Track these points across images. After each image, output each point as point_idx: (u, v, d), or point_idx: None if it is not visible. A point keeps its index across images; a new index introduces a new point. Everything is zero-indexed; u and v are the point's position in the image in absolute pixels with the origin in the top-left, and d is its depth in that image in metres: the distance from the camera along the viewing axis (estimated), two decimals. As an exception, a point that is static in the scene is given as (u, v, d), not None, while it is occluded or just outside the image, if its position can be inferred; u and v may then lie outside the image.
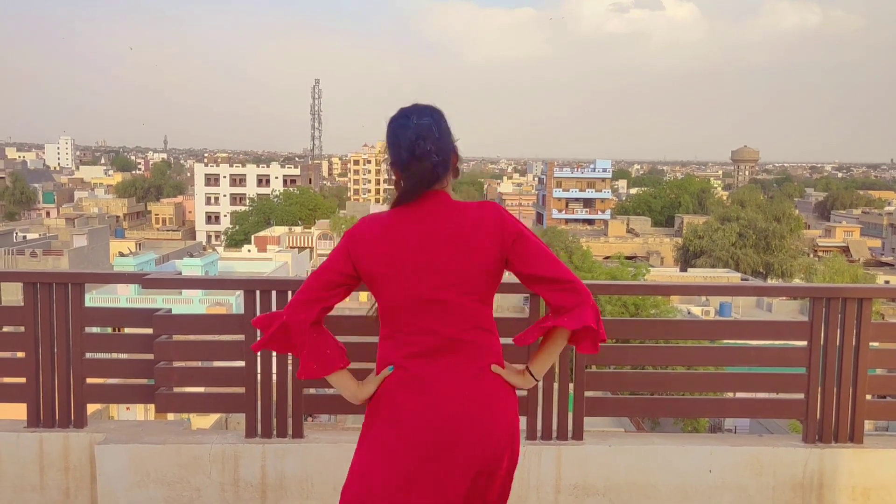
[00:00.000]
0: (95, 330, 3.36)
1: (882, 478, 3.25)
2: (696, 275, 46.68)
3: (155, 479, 3.16)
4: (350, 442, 3.24)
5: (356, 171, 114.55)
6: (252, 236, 58.41)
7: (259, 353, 3.15)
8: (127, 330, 3.39)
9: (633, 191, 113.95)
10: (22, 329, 3.25)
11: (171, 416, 8.20)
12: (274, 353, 3.16)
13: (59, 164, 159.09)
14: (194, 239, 78.10)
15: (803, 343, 3.27)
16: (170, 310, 3.31)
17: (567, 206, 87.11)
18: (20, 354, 3.27)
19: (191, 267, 29.17)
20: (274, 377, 3.21)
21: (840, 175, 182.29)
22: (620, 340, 3.77)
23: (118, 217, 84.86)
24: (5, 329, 3.35)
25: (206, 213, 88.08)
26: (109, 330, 3.86)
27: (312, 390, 3.31)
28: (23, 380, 3.28)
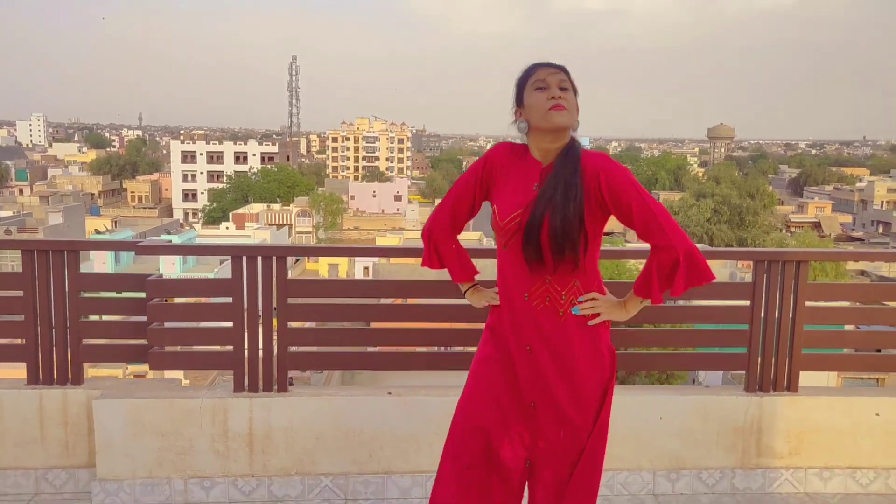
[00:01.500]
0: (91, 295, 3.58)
1: (813, 422, 3.57)
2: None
3: (150, 431, 3.41)
4: (331, 396, 3.52)
5: (334, 149, 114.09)
6: (230, 214, 58.27)
7: (245, 315, 3.41)
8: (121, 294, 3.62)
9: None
10: (21, 293, 3.47)
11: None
12: (260, 315, 3.42)
13: (31, 141, 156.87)
14: (171, 217, 77.66)
15: (747, 302, 3.58)
16: (161, 275, 3.55)
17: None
18: (19, 317, 3.49)
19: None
20: (260, 336, 3.46)
21: (814, 152, 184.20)
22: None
23: (93, 195, 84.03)
24: (5, 294, 3.56)
25: (183, 190, 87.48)
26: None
27: (296, 348, 3.56)
28: (22, 341, 3.50)
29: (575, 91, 2.31)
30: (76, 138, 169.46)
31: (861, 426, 3.59)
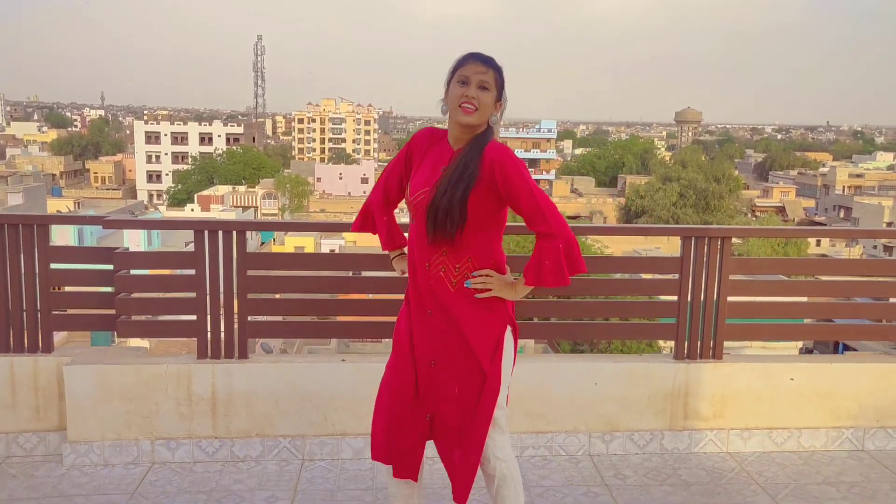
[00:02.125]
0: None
1: (735, 387, 3.90)
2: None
3: (118, 396, 3.62)
4: (289, 362, 3.76)
5: (300, 130, 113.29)
6: (195, 195, 57.76)
7: (207, 284, 3.63)
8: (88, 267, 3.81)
9: (579, 151, 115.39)
10: (-8, 266, 3.65)
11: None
12: (221, 284, 3.64)
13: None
14: (135, 198, 76.57)
15: (676, 276, 3.88)
16: (128, 248, 3.74)
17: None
18: (-9, 288, 3.66)
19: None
20: (222, 306, 3.69)
21: (779, 136, 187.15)
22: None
23: (54, 175, 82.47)
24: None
25: (147, 171, 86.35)
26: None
27: (257, 318, 3.78)
28: (-6, 311, 3.68)
29: (500, 87, 2.52)
30: (36, 117, 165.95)
31: (778, 390, 3.92)
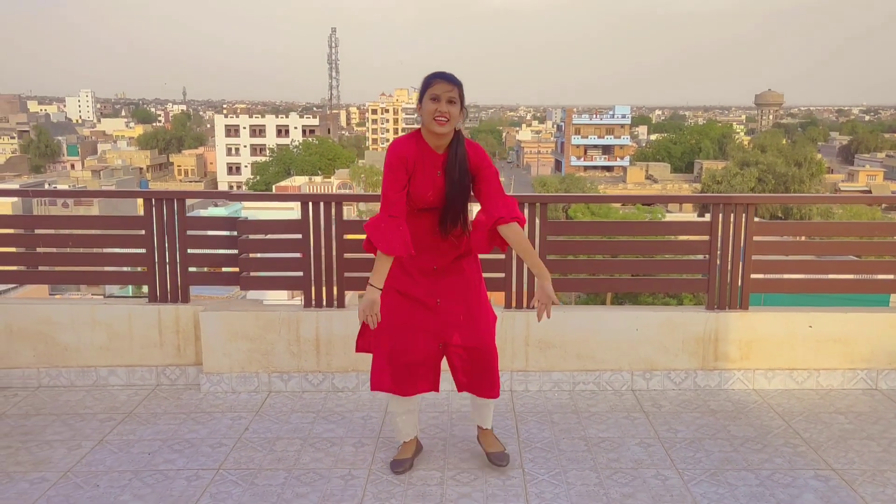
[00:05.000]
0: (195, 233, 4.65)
1: (759, 333, 4.50)
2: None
3: (241, 336, 4.48)
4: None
5: (374, 121, 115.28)
6: (273, 186, 59.71)
7: (311, 246, 4.45)
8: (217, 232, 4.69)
9: (654, 137, 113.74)
10: (142, 232, 4.56)
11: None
12: (323, 246, 4.46)
13: (80, 116, 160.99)
14: (216, 189, 79.61)
15: (706, 237, 4.51)
16: (247, 217, 4.60)
17: (585, 152, 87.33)
18: (142, 251, 4.58)
19: (217, 214, 30.72)
20: (323, 263, 4.50)
21: (867, 118, 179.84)
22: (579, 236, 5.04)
23: (141, 169, 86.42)
24: (131, 233, 4.65)
25: (228, 163, 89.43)
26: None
27: (352, 274, 4.57)
28: (145, 268, 4.60)
29: (462, 101, 3.14)
30: (123, 113, 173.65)
31: (797, 336, 4.51)
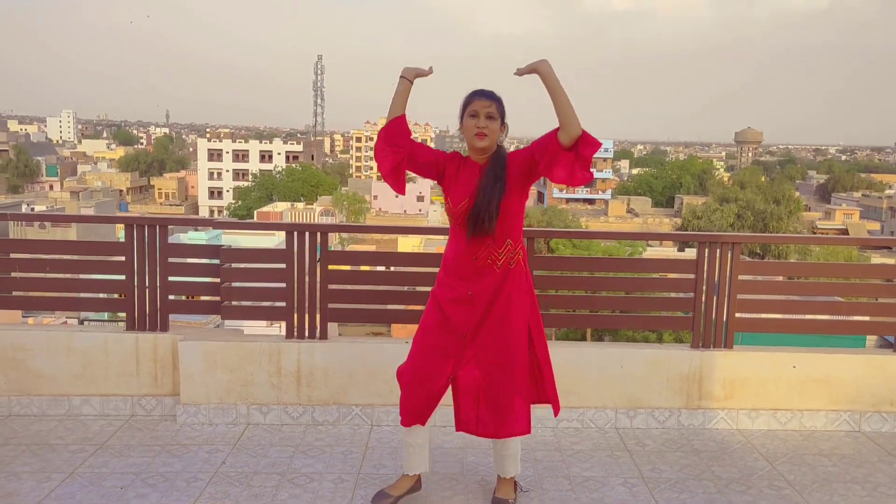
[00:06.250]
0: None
1: (743, 372, 4.49)
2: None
3: (221, 367, 4.40)
4: (362, 343, 4.48)
5: (358, 148, 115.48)
6: (255, 212, 59.49)
7: (295, 276, 4.38)
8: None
9: (636, 171, 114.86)
10: (122, 258, 4.48)
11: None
12: (307, 276, 4.40)
13: (61, 137, 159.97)
14: (197, 213, 79.21)
15: (692, 275, 4.50)
16: (230, 246, 4.54)
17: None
18: (121, 277, 4.49)
19: (196, 240, 30.51)
20: (307, 294, 4.44)
21: (844, 158, 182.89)
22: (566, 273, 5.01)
23: (121, 191, 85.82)
24: (109, 258, 4.56)
25: (209, 188, 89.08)
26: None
27: (336, 305, 4.52)
28: (123, 296, 4.51)
29: (503, 117, 3.18)
30: (105, 135, 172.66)
31: (781, 376, 4.49)
